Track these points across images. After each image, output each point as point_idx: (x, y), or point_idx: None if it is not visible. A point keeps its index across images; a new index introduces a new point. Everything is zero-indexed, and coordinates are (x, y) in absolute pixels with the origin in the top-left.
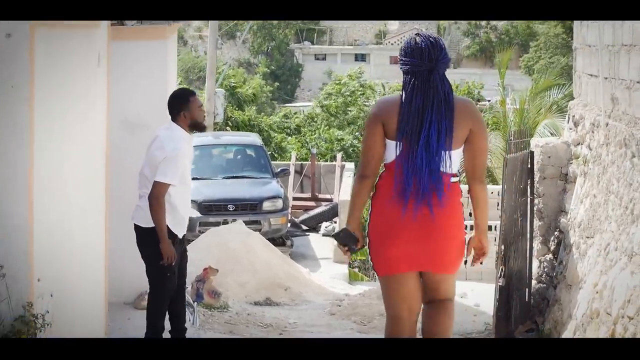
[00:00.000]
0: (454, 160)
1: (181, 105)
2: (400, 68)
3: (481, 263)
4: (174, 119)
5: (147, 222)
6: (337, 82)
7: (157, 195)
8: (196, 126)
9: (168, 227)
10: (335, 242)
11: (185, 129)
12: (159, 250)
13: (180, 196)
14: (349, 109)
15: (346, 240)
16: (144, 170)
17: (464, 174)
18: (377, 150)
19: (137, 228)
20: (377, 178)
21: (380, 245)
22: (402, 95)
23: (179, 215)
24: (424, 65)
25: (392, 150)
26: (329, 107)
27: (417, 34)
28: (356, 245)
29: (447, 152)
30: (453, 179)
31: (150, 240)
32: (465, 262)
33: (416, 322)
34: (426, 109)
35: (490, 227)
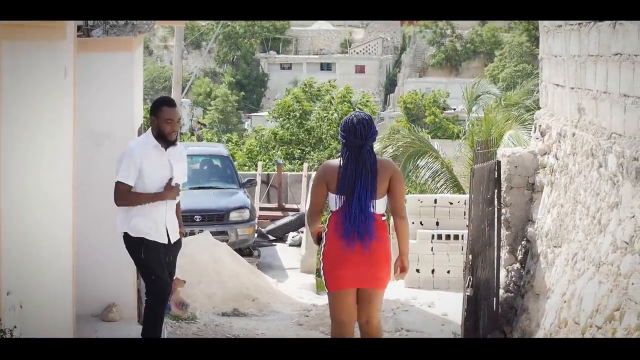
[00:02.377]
0: (379, 205)
1: (152, 113)
2: (340, 140)
3: (402, 279)
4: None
5: (119, 228)
6: (284, 105)
7: (115, 198)
8: (161, 137)
9: (127, 234)
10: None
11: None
12: (135, 256)
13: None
14: (304, 122)
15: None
16: None
17: None
18: (321, 199)
19: None
20: (327, 221)
21: (331, 270)
22: (340, 162)
23: (140, 220)
24: (356, 141)
25: (334, 201)
26: (283, 136)
27: (355, 115)
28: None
29: (374, 200)
30: (383, 218)
31: (127, 247)
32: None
33: (353, 328)
34: (357, 175)
35: (457, 237)
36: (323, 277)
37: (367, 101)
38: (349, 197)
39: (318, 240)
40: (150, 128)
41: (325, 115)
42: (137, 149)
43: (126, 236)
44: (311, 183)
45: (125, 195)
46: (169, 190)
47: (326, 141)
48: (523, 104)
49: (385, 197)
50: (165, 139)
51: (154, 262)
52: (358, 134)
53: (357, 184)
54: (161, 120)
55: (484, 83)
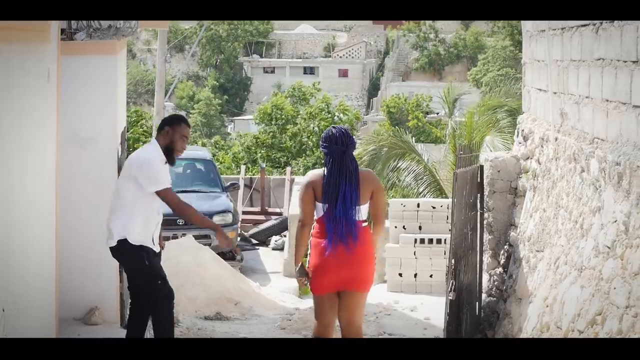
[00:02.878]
0: (362, 211)
1: (168, 125)
2: (322, 150)
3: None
4: (157, 136)
5: (116, 236)
6: (266, 111)
7: (176, 203)
8: (169, 151)
9: (127, 241)
10: (297, 277)
11: (162, 149)
12: (137, 263)
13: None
14: (287, 126)
15: (302, 273)
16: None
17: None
18: (310, 207)
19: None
20: (313, 228)
21: (317, 274)
22: (324, 170)
23: (139, 230)
24: (338, 147)
25: (320, 209)
26: (265, 140)
27: (334, 127)
28: (307, 276)
29: (357, 207)
30: (364, 224)
31: (124, 255)
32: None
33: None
34: (341, 181)
35: (440, 241)
36: (309, 283)
37: (345, 110)
38: (333, 202)
39: (301, 271)
40: (154, 139)
41: (306, 126)
42: (156, 159)
43: (124, 243)
44: (294, 188)
45: (181, 201)
46: (226, 237)
47: (309, 149)
48: (503, 106)
49: (367, 205)
50: (172, 155)
51: (157, 266)
52: (339, 141)
53: (340, 189)
54: (177, 134)
55: (458, 85)
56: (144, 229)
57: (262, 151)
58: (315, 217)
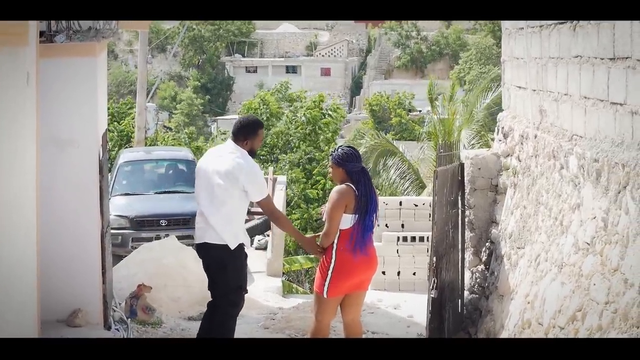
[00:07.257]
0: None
1: (248, 134)
2: (351, 169)
3: None
4: (235, 141)
5: (234, 243)
6: (251, 106)
7: (275, 210)
8: (253, 154)
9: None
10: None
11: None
12: (239, 264)
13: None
14: (271, 123)
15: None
16: (217, 190)
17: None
18: (339, 221)
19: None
20: (337, 239)
21: (340, 279)
22: (355, 188)
23: (241, 231)
24: (360, 164)
25: (347, 220)
26: None
27: (346, 146)
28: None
29: (376, 215)
30: None
31: (233, 259)
32: None
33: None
34: (370, 196)
35: (422, 239)
36: (327, 285)
37: (338, 108)
38: (363, 214)
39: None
40: (234, 144)
41: (293, 117)
42: (258, 167)
43: (239, 247)
44: (277, 187)
45: (276, 208)
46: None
47: (293, 143)
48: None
49: None
50: (254, 155)
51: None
52: (360, 158)
53: (369, 201)
54: (257, 142)
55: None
56: (245, 237)
57: None
58: (340, 229)
